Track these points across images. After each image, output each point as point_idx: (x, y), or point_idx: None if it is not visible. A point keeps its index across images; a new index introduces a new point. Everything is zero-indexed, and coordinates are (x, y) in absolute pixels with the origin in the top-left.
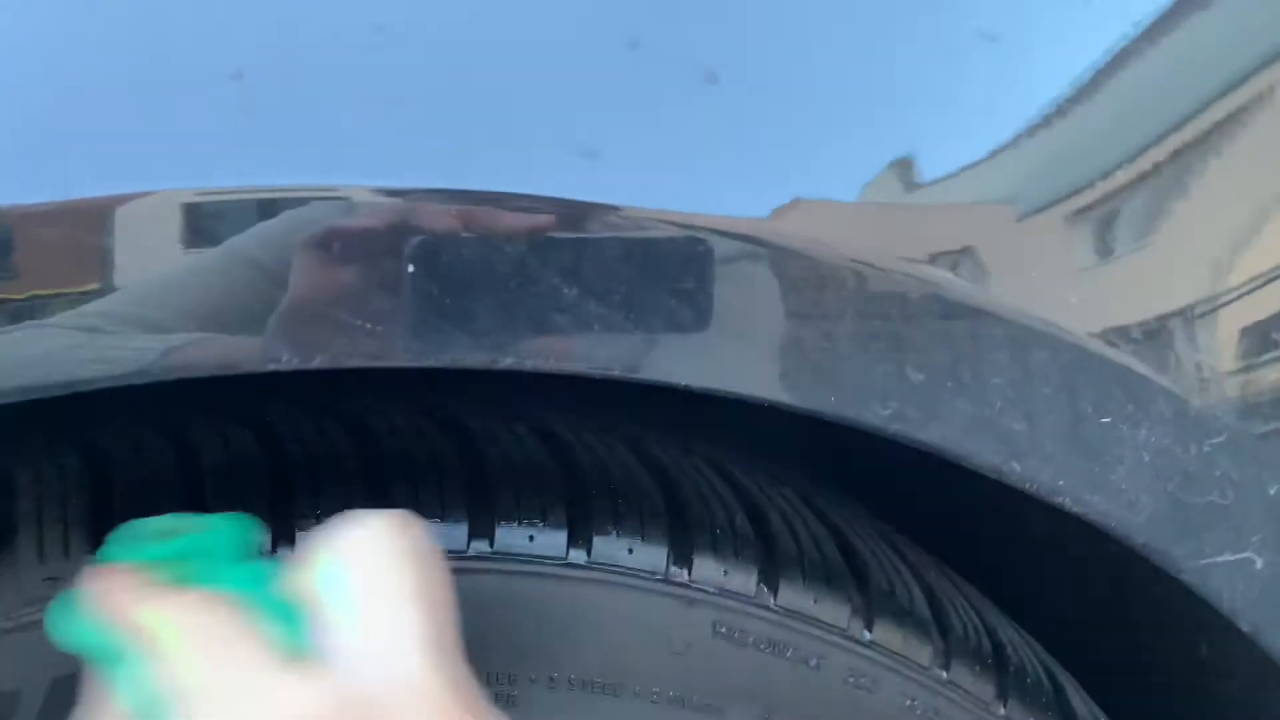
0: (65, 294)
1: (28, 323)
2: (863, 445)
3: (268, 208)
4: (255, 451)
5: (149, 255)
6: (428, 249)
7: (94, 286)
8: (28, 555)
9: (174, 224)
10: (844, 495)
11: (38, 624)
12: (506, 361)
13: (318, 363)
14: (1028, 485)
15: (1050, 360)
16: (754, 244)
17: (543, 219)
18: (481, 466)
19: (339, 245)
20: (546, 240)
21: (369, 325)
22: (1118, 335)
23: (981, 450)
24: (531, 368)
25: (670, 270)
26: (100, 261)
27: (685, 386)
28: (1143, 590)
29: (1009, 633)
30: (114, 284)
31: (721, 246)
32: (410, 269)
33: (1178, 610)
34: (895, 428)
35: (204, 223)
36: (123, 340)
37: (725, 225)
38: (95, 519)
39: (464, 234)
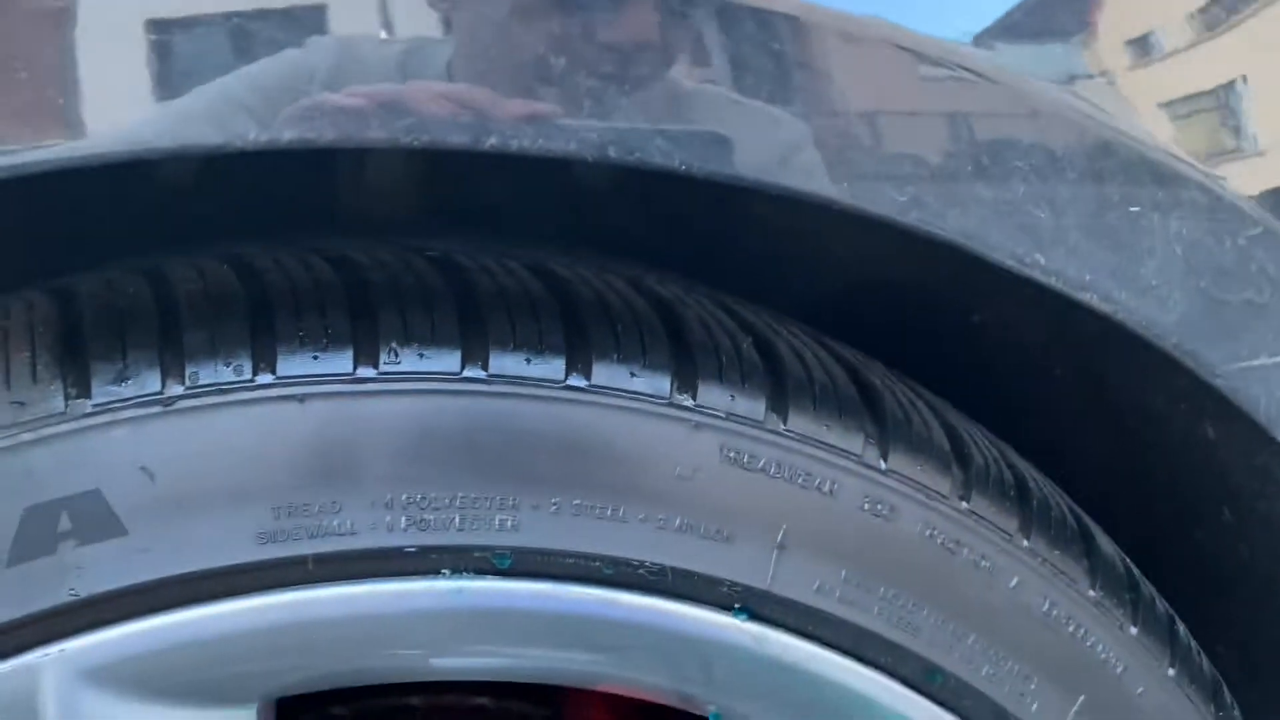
0: None
1: None
2: (871, 298)
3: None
4: (232, 281)
5: None
6: None
7: None
8: None
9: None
10: (851, 340)
11: (6, 450)
12: (490, 141)
13: (286, 140)
14: (1052, 280)
15: (1075, 143)
16: (763, 13)
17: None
18: (472, 296)
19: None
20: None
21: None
22: (1148, 115)
23: (1003, 241)
24: (516, 149)
25: (679, 39)
26: None
27: (686, 170)
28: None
29: (1031, 470)
30: None
31: (733, 16)
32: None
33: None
34: (912, 215)
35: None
36: None
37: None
38: (65, 348)
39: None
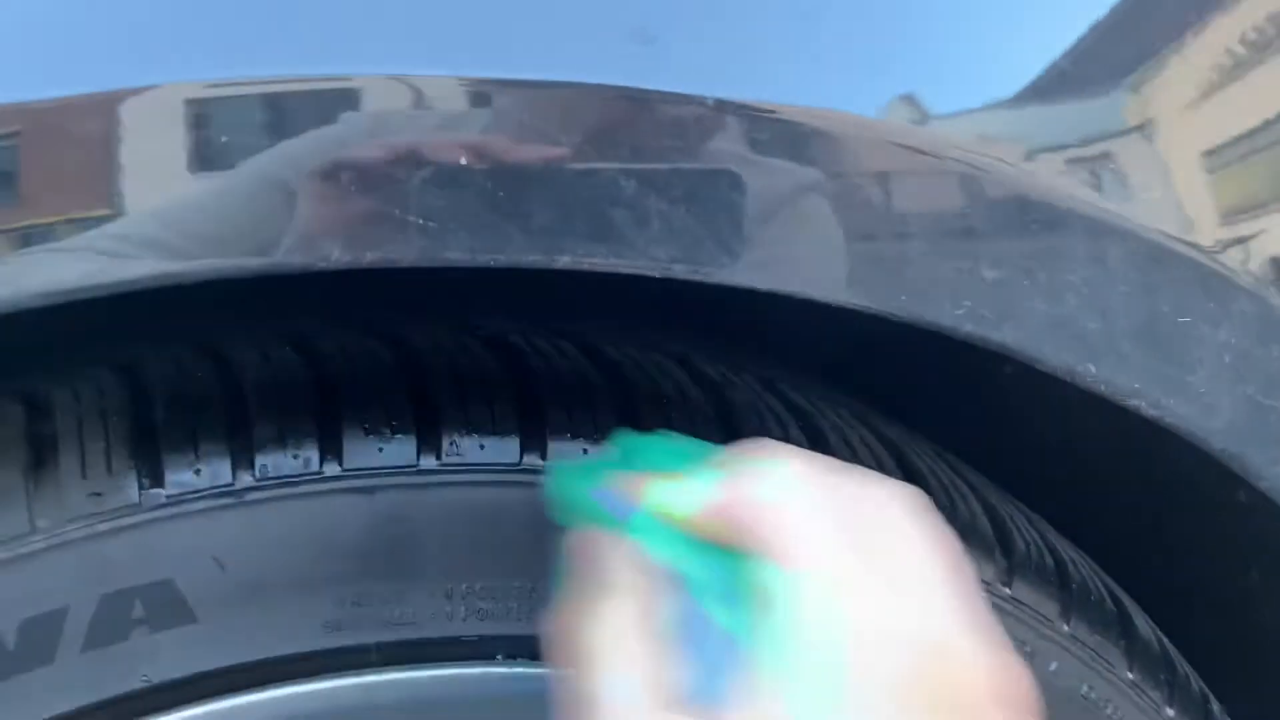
0: (77, 219)
1: (45, 245)
2: (913, 371)
3: (277, 103)
4: (297, 366)
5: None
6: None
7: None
8: (71, 472)
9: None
10: (897, 417)
11: (83, 540)
12: (563, 261)
13: (368, 260)
14: (1103, 388)
15: (1127, 256)
16: (829, 136)
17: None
18: (528, 381)
19: (388, 148)
20: (603, 132)
21: (422, 221)
22: (1198, 229)
23: (1056, 351)
24: (589, 267)
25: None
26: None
27: (749, 288)
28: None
29: (1069, 552)
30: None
31: (791, 138)
32: (463, 162)
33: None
34: (968, 328)
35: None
36: (142, 266)
37: (796, 116)
38: (136, 436)
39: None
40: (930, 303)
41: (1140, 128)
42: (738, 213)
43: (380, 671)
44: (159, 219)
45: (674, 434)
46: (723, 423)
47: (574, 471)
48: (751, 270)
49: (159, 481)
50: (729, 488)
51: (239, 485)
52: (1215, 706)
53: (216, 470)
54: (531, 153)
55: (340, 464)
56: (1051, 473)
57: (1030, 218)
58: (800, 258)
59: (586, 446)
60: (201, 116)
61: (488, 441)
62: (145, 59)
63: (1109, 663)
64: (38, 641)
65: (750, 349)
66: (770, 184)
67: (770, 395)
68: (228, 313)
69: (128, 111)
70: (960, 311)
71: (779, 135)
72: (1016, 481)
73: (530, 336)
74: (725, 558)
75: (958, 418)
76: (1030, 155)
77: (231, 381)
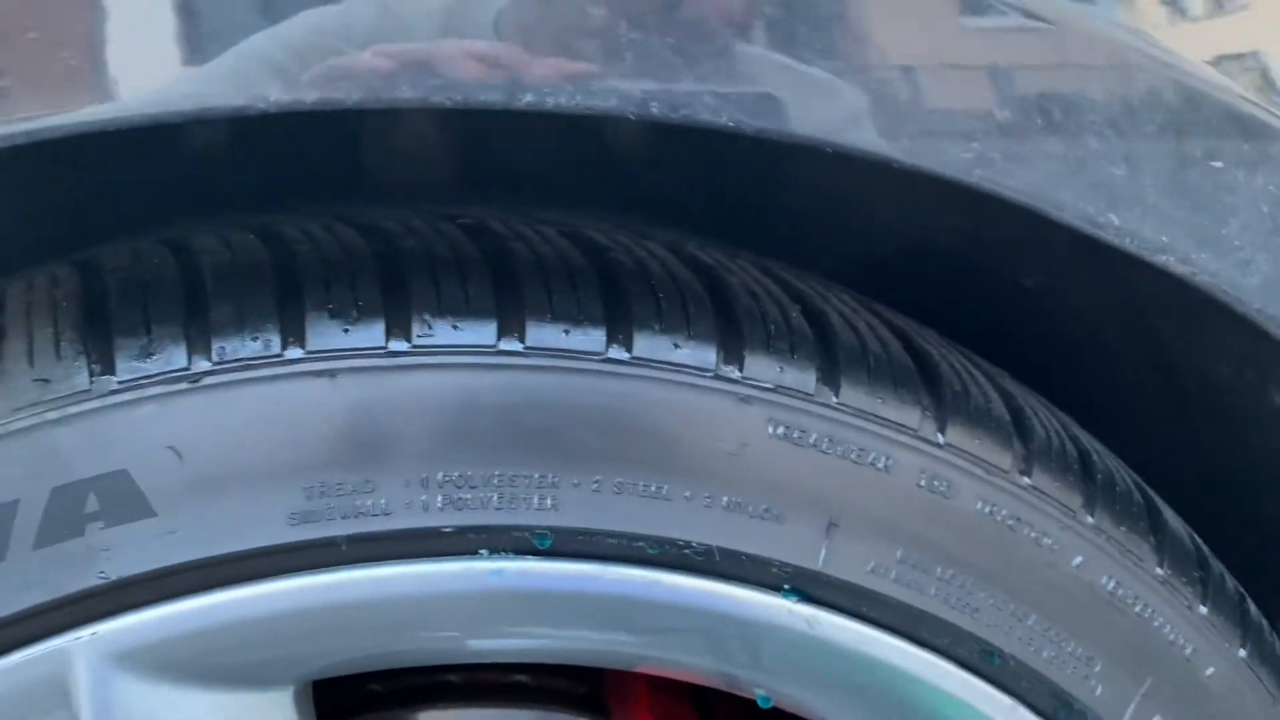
0: None
1: None
2: (923, 266)
3: None
4: (259, 251)
5: None
6: None
7: None
8: (16, 359)
9: None
10: (906, 307)
11: (31, 430)
12: (525, 99)
13: (311, 100)
14: (1127, 241)
15: (1154, 93)
16: None
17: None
18: (508, 265)
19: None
20: None
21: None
22: (1235, 63)
23: (1075, 200)
24: (553, 106)
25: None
26: None
27: (734, 127)
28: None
29: (1094, 443)
30: None
31: None
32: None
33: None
34: (978, 173)
35: None
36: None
37: None
38: (87, 321)
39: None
40: (935, 147)
41: None
42: (726, 44)
43: (351, 568)
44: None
45: None
46: (717, 305)
47: None
48: (739, 109)
49: (110, 368)
50: None
51: (195, 370)
52: (1251, 606)
53: (171, 355)
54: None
55: (303, 347)
56: (1082, 384)
57: (1044, 46)
58: (797, 98)
59: (567, 328)
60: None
61: (462, 323)
62: None
63: (1137, 557)
64: None
65: (748, 238)
66: (759, 15)
67: (768, 279)
68: (194, 205)
69: None
70: (968, 155)
71: None
72: (1037, 377)
73: (511, 222)
74: None
75: (969, 311)
76: None
77: (188, 264)
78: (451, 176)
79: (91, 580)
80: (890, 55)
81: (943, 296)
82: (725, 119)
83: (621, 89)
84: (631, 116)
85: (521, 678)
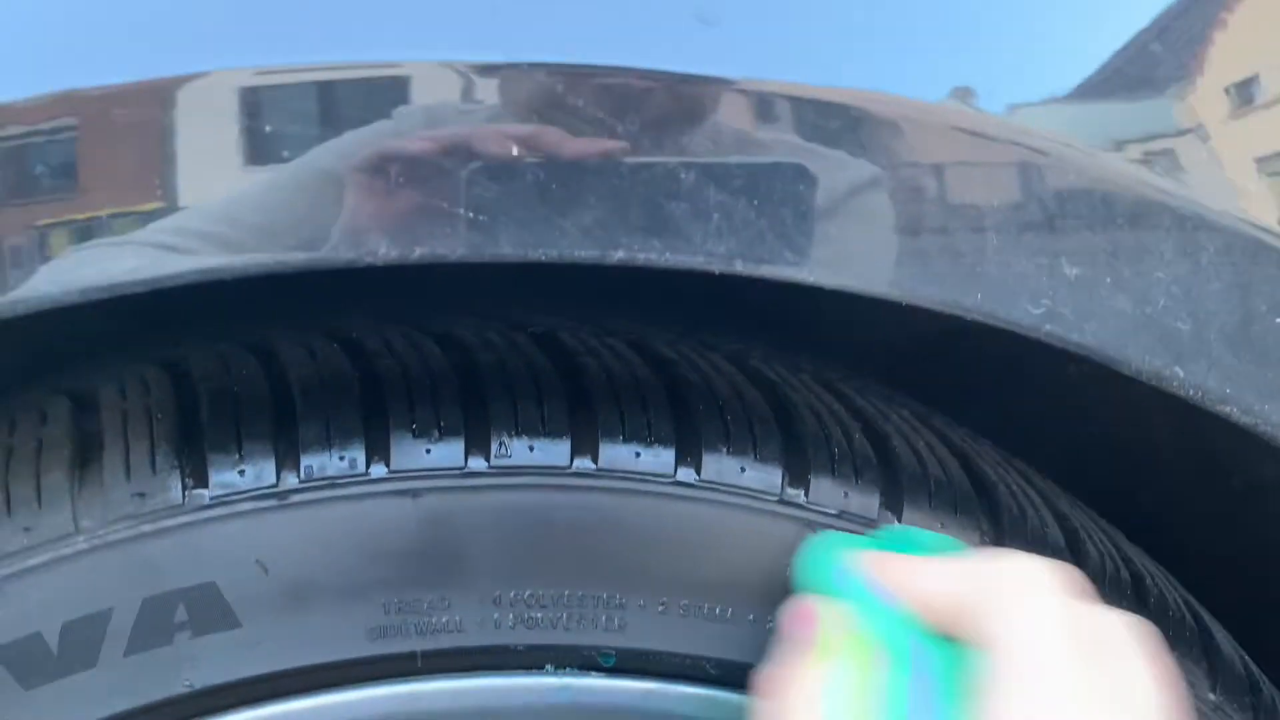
0: (127, 212)
1: (101, 239)
2: (979, 374)
3: (327, 92)
4: (344, 365)
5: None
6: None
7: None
8: (115, 472)
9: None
10: (960, 419)
11: (127, 541)
12: (617, 256)
13: (417, 255)
14: (1191, 393)
15: (1221, 252)
16: (900, 125)
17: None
18: (580, 381)
19: (436, 140)
20: (661, 122)
21: (473, 215)
22: None
23: (1141, 354)
24: (644, 263)
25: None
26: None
27: (814, 284)
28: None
29: (1146, 564)
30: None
31: (863, 126)
32: (515, 153)
33: None
34: (1047, 328)
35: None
36: (199, 260)
37: (862, 103)
38: (181, 435)
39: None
40: (1007, 301)
41: (1230, 116)
42: (803, 206)
43: (425, 680)
44: (210, 212)
45: (932, 533)
46: (782, 426)
47: (829, 543)
48: (817, 266)
49: (203, 482)
50: (971, 577)
51: (284, 486)
52: None
53: (261, 470)
54: (586, 146)
55: (387, 465)
56: (1124, 480)
57: (1114, 210)
58: (868, 253)
59: (639, 450)
60: (251, 105)
61: (538, 443)
62: (196, 45)
63: (1190, 682)
64: (81, 644)
65: (807, 348)
66: (836, 176)
67: (830, 396)
68: (274, 309)
69: (179, 99)
70: (1039, 310)
71: (845, 125)
72: (1087, 490)
73: (581, 334)
74: (948, 645)
75: (1023, 420)
76: (1112, 144)
77: (277, 379)
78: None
79: (177, 688)
80: (965, 215)
81: (984, 393)
82: (807, 276)
83: (708, 246)
84: (717, 272)
85: None
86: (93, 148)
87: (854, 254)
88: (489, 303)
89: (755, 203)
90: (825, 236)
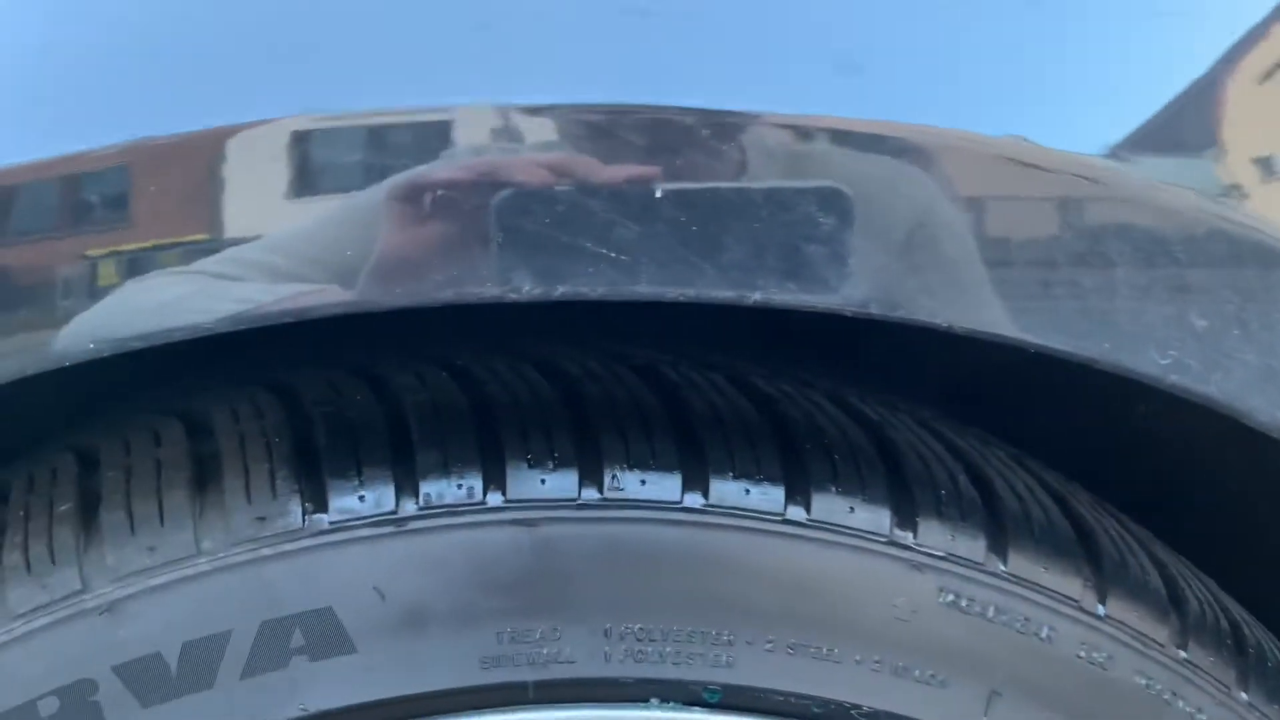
0: (181, 243)
1: (157, 271)
2: (1072, 415)
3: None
4: (456, 393)
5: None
6: (676, 173)
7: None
8: (236, 495)
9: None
10: (1053, 461)
11: (247, 564)
12: (754, 298)
13: (559, 293)
14: None
15: None
16: (1029, 171)
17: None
18: (688, 417)
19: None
20: (801, 159)
21: (614, 255)
22: None
23: (1268, 406)
24: (780, 304)
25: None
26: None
27: (946, 328)
28: None
29: (1243, 613)
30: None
31: (999, 174)
32: (658, 194)
33: None
34: (1173, 379)
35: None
36: (257, 289)
37: (1004, 150)
38: (300, 460)
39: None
40: (1134, 351)
41: None
42: (940, 254)
43: (533, 710)
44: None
45: None
46: (888, 466)
47: None
48: (951, 311)
49: (323, 507)
50: None
51: (402, 513)
52: None
53: (380, 497)
54: (722, 179)
55: (504, 494)
56: (1218, 526)
57: (1242, 260)
58: (1002, 300)
59: (749, 487)
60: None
61: (649, 477)
62: (252, 93)
63: None
64: (199, 665)
65: (902, 387)
66: (975, 225)
67: (929, 436)
68: (379, 337)
69: (239, 146)
70: (1166, 361)
71: (980, 171)
72: (1181, 537)
73: (681, 369)
74: None
75: (1115, 465)
76: (1237, 193)
77: (392, 407)
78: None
79: (291, 712)
80: (1095, 264)
81: (1062, 434)
82: (940, 320)
83: (844, 290)
84: (850, 314)
85: None
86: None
87: (986, 300)
88: (589, 332)
89: (893, 249)
90: (958, 283)
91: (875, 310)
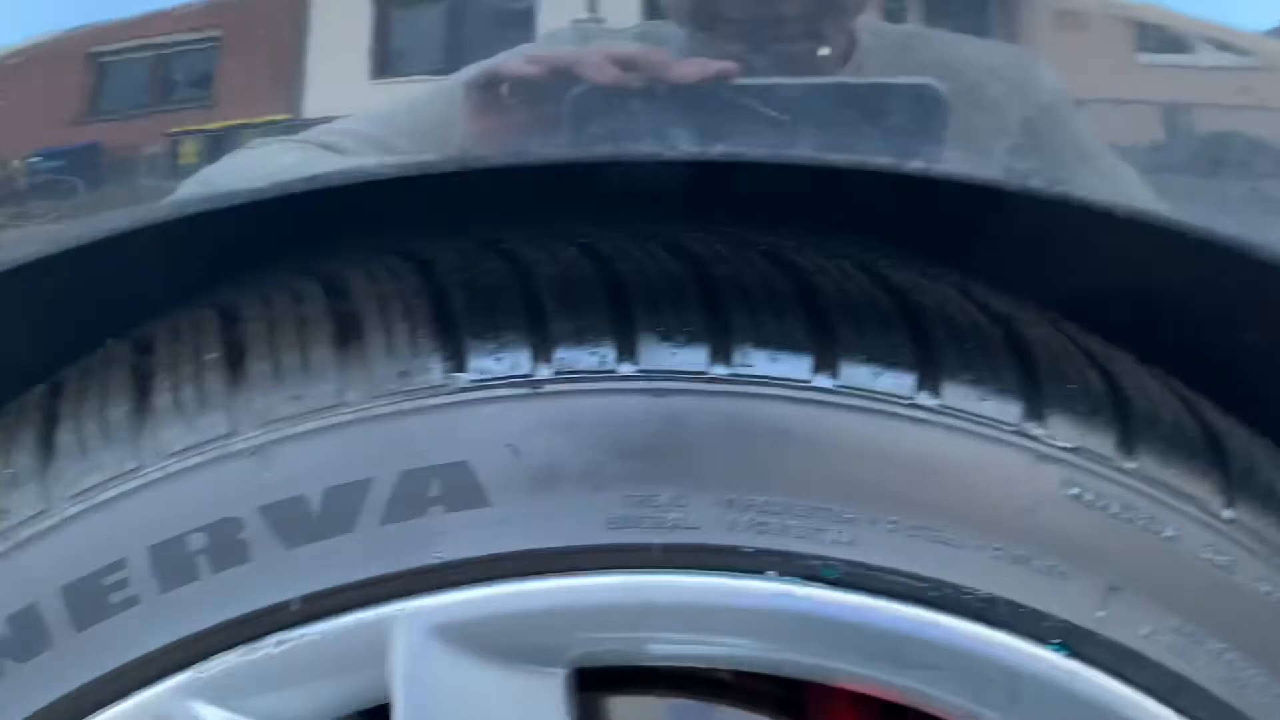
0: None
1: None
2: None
3: None
4: (587, 267)
5: None
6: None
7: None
8: (378, 350)
9: None
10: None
11: (388, 416)
12: (914, 165)
13: (717, 152)
14: None
15: None
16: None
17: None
18: (817, 300)
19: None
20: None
21: (775, 114)
22: None
23: None
24: (941, 173)
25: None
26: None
27: (1081, 201)
28: None
29: None
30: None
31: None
32: (822, 53)
33: None
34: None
35: None
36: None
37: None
38: (440, 321)
39: None
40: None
41: None
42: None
43: (654, 573)
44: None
45: None
46: (1021, 360)
47: None
48: (1112, 189)
49: (461, 366)
50: None
51: (538, 376)
52: None
53: (517, 360)
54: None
55: (635, 364)
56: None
57: None
58: (1163, 181)
59: (879, 370)
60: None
61: (780, 356)
62: None
63: None
64: (341, 510)
65: (1029, 290)
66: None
67: (1059, 334)
68: (510, 212)
69: None
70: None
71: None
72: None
73: (810, 255)
74: None
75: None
76: None
77: (526, 278)
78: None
79: (427, 559)
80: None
81: (1162, 345)
82: (1100, 197)
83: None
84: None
85: (724, 674)
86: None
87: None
88: (715, 218)
89: (1055, 126)
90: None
91: (1035, 184)
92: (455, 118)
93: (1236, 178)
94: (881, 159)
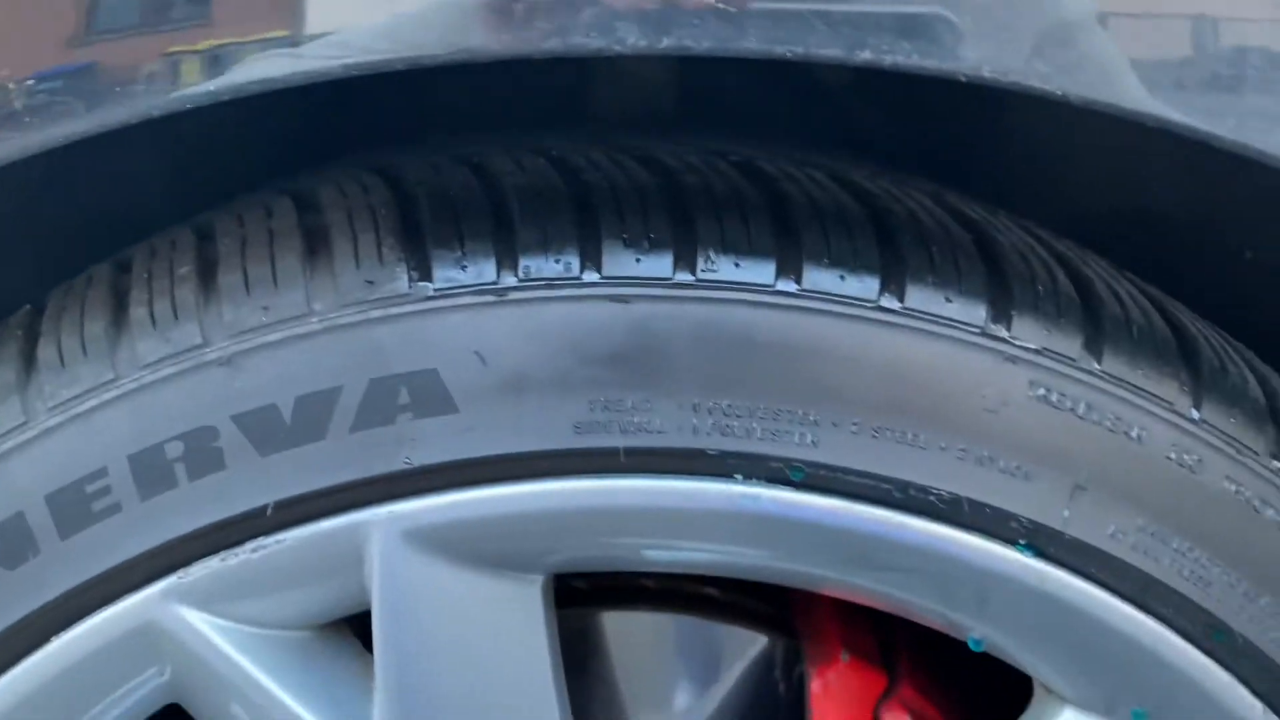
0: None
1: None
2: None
3: None
4: (554, 177)
5: None
6: None
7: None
8: (345, 260)
9: None
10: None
11: (356, 325)
12: (863, 56)
13: (664, 46)
14: None
15: None
16: None
17: None
18: (784, 206)
19: None
20: None
21: (721, 6)
22: None
23: None
24: (890, 66)
25: None
26: None
27: (1081, 98)
28: None
29: None
30: None
31: None
32: None
33: None
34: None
35: None
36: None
37: None
38: (406, 231)
39: None
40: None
41: None
42: (1061, 16)
43: (621, 477)
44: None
45: None
46: (987, 263)
47: None
48: (1068, 79)
49: (427, 275)
50: None
51: (503, 284)
52: None
53: (482, 268)
54: None
55: (599, 271)
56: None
57: None
58: (1126, 69)
59: (843, 274)
60: None
61: (744, 261)
62: None
63: None
64: (311, 417)
65: (1002, 192)
66: None
67: (1030, 238)
68: (479, 126)
69: None
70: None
71: None
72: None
73: (781, 164)
74: None
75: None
76: None
77: (493, 188)
78: (666, 112)
79: (396, 465)
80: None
81: (1161, 261)
82: (1054, 88)
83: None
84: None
85: (712, 591)
86: None
87: (1108, 69)
88: (686, 132)
89: (1001, 11)
90: (1078, 49)
91: (988, 74)
92: (411, 15)
93: (1243, 88)
94: (830, 51)
